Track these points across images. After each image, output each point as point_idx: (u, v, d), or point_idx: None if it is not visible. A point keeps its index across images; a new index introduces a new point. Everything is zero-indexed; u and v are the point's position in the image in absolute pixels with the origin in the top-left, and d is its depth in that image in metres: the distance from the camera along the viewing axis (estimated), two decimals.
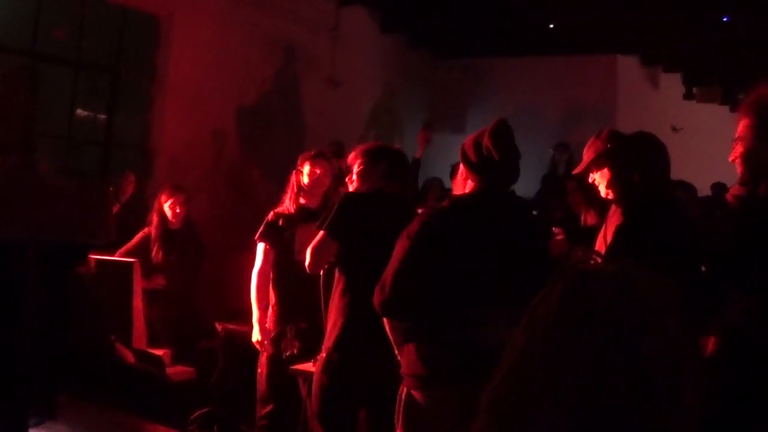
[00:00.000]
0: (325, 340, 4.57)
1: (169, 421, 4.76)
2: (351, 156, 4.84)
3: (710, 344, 2.90)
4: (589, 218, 6.34)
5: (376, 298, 3.81)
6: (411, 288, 3.77)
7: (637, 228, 3.77)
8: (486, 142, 3.89)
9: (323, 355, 4.50)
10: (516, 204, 4.08)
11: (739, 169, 3.07)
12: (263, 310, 5.64)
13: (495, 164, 3.86)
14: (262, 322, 5.62)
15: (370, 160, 4.73)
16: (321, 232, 4.53)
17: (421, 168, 8.95)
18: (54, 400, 3.71)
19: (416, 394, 3.87)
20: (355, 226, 4.50)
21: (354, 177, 4.75)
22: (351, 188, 4.77)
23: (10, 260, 2.10)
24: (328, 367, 4.45)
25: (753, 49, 10.55)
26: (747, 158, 3.15)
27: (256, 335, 5.63)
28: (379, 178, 4.67)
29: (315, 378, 4.57)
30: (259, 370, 5.70)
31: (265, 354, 5.64)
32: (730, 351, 2.77)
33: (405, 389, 3.95)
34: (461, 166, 4.08)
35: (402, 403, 3.94)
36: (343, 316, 4.48)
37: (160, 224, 7.02)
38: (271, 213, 5.72)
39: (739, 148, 3.12)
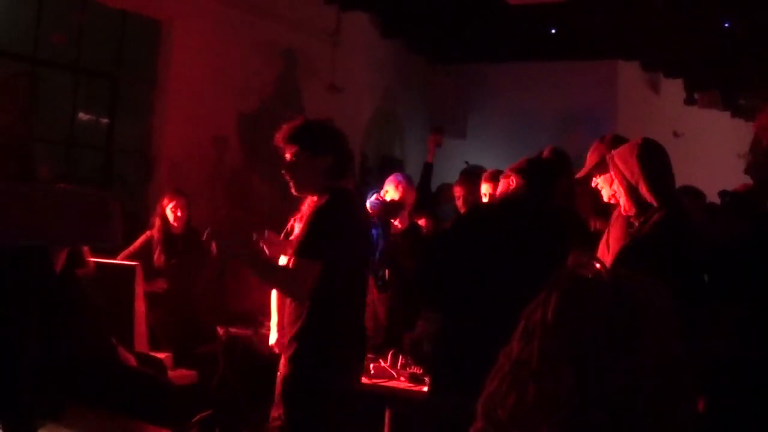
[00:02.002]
0: None
1: (171, 425, 4.77)
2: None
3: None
4: (598, 224, 6.35)
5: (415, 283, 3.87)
6: (443, 278, 3.79)
7: (642, 235, 3.76)
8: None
9: None
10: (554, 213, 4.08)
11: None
12: (282, 314, 5.64)
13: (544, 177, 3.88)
14: (281, 326, 5.61)
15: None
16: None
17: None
18: (60, 403, 3.72)
19: (435, 399, 3.90)
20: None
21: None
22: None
23: (14, 264, 2.10)
24: None
25: (753, 54, 10.55)
26: None
27: (272, 338, 5.62)
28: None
29: None
30: (278, 372, 5.71)
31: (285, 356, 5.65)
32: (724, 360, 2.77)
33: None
34: (513, 179, 4.08)
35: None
36: None
37: (162, 228, 7.05)
38: (291, 220, 5.72)
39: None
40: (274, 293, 5.68)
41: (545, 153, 5.28)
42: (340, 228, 4.26)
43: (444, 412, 3.81)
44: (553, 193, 3.96)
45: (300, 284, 4.22)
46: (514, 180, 4.12)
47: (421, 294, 4.08)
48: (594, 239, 4.41)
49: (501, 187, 4.93)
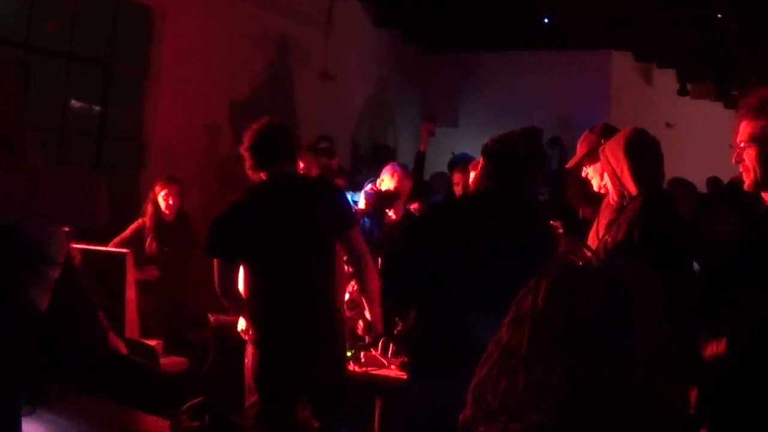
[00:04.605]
0: None
1: (161, 411, 4.76)
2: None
3: (714, 345, 2.86)
4: (586, 212, 6.35)
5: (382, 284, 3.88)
6: (407, 277, 3.80)
7: (629, 223, 3.77)
8: (512, 144, 3.88)
9: None
10: (522, 207, 4.04)
11: (752, 173, 2.91)
12: None
13: (514, 168, 3.85)
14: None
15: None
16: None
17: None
18: (46, 389, 3.71)
19: (411, 384, 3.92)
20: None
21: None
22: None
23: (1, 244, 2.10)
24: None
25: (746, 46, 10.57)
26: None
27: (241, 324, 5.62)
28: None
29: None
30: (246, 360, 5.70)
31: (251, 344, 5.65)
32: (747, 350, 2.74)
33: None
34: (483, 163, 4.02)
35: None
36: None
37: (153, 215, 7.04)
38: None
39: (752, 151, 2.91)
40: (241, 279, 5.69)
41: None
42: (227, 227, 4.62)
43: (422, 397, 3.82)
44: (523, 180, 3.92)
45: (217, 282, 4.63)
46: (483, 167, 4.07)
47: (387, 289, 4.10)
48: (583, 227, 4.41)
49: (472, 176, 4.96)
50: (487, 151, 3.94)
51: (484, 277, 3.69)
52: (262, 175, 4.63)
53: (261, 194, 4.59)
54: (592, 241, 3.96)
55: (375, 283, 4.56)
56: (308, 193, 4.63)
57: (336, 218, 4.57)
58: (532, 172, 3.93)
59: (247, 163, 4.69)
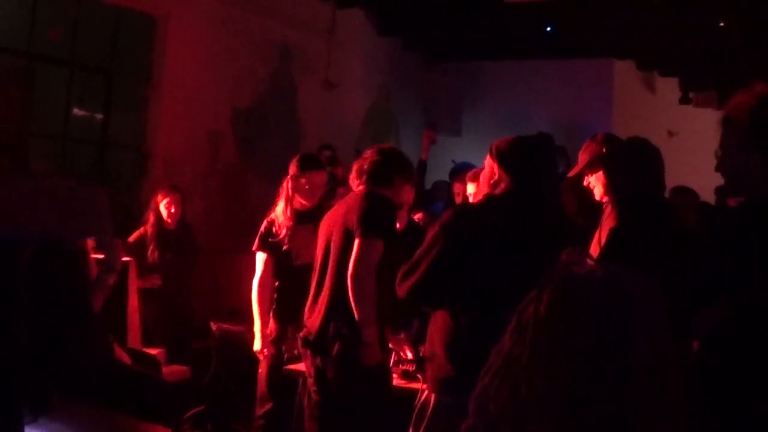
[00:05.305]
0: None
1: (163, 421, 4.76)
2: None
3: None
4: (581, 222, 6.33)
5: (401, 284, 3.79)
6: (437, 277, 3.74)
7: (629, 231, 3.77)
8: (526, 146, 3.88)
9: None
10: (549, 206, 4.03)
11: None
12: (265, 318, 5.64)
13: (533, 166, 3.85)
14: (263, 332, 5.61)
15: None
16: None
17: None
18: (48, 397, 3.71)
19: (443, 399, 3.82)
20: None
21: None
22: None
23: (1, 258, 2.09)
24: None
25: (749, 54, 10.56)
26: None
27: (257, 344, 5.62)
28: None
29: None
30: (260, 371, 5.71)
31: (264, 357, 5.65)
32: (708, 357, 2.76)
33: (432, 395, 3.89)
34: (492, 168, 3.99)
35: (429, 410, 3.88)
36: None
37: (156, 224, 7.04)
38: (264, 222, 5.73)
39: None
40: (254, 298, 5.66)
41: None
42: None
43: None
44: (541, 184, 3.93)
45: None
46: (495, 171, 4.03)
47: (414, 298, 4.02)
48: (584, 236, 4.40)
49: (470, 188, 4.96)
50: (500, 154, 3.92)
51: (524, 281, 3.67)
52: None
53: None
54: (593, 249, 3.96)
55: None
56: None
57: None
58: (551, 174, 3.97)
59: None
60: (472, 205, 4.23)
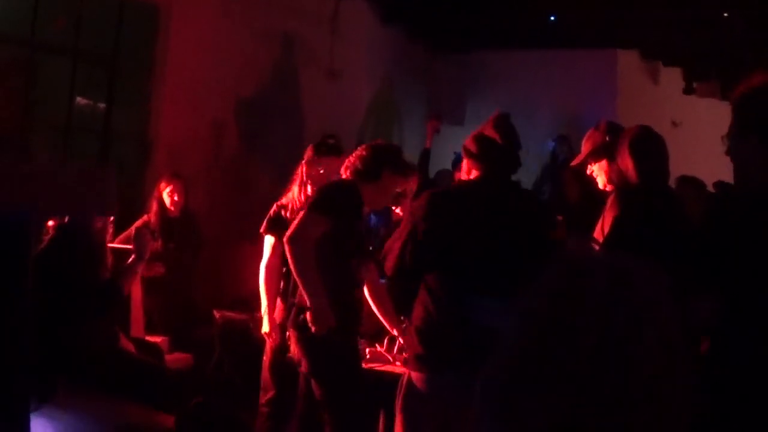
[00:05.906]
0: None
1: (167, 408, 4.78)
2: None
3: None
4: (583, 210, 6.34)
5: (384, 263, 3.93)
6: (408, 257, 3.84)
7: (632, 220, 3.78)
8: (489, 131, 3.95)
9: None
10: (520, 191, 4.12)
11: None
12: (272, 302, 5.65)
13: (497, 152, 3.91)
14: (270, 314, 5.62)
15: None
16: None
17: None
18: (52, 385, 3.73)
19: (417, 377, 3.90)
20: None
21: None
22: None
23: (9, 241, 2.10)
24: None
25: (752, 45, 10.55)
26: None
27: (265, 327, 5.64)
28: None
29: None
30: (264, 358, 5.72)
31: (271, 342, 5.67)
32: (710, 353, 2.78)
33: (406, 373, 3.99)
34: (465, 162, 4.12)
35: (402, 388, 3.97)
36: None
37: (158, 212, 7.05)
38: (274, 206, 5.74)
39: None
40: (261, 281, 5.68)
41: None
42: None
43: (436, 390, 3.84)
44: (510, 164, 4.04)
45: None
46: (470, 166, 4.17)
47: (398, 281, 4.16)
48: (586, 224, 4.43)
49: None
50: (467, 150, 4.04)
51: (495, 262, 3.74)
52: None
53: None
54: (597, 237, 3.98)
55: None
56: None
57: None
58: (514, 155, 4.03)
59: None
60: (444, 189, 4.35)
